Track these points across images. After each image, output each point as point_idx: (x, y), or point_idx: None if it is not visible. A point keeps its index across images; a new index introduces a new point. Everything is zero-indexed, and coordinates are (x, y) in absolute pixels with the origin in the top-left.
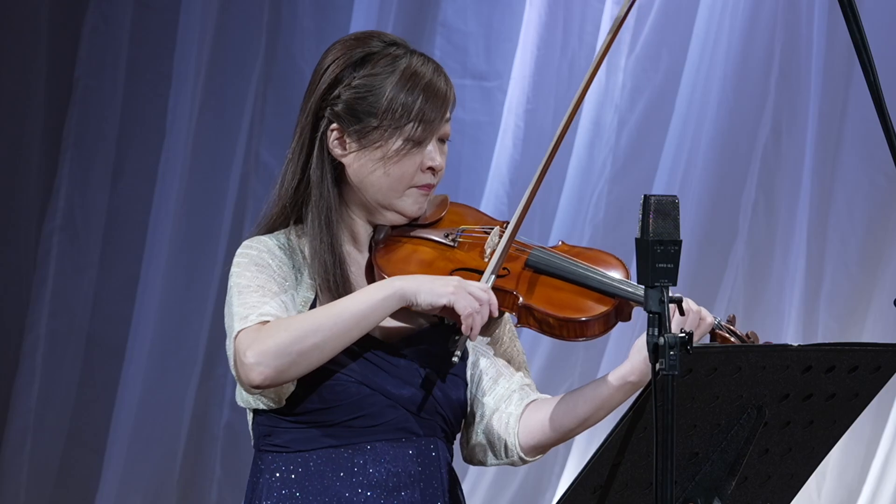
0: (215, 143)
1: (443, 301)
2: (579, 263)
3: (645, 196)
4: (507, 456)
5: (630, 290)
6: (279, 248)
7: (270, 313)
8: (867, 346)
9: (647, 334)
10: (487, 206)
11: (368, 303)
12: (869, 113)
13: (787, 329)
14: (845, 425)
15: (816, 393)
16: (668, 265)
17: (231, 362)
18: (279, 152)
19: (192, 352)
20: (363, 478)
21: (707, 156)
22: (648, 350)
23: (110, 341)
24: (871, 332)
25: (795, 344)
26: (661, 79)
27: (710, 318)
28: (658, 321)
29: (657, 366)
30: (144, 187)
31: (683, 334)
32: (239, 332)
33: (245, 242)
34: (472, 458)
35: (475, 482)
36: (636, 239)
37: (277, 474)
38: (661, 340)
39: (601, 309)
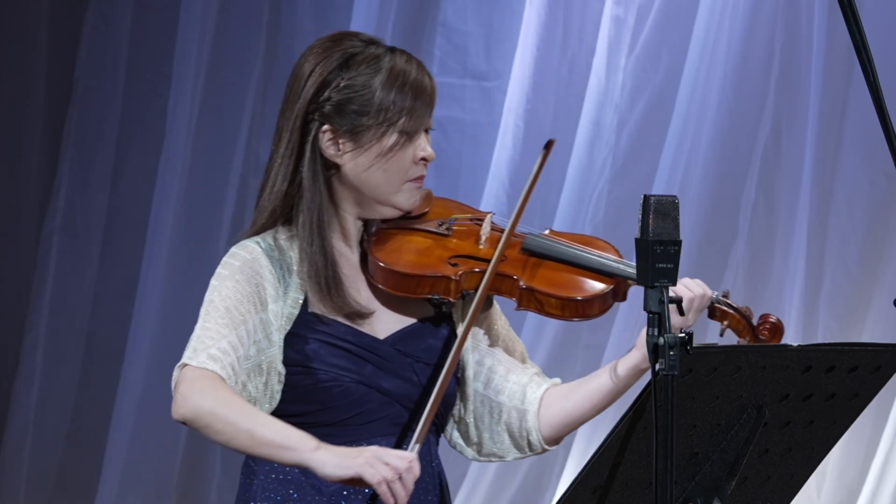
0: (215, 143)
1: (350, 473)
2: (574, 245)
3: (645, 196)
4: (531, 449)
5: (626, 268)
6: (266, 252)
7: (218, 358)
8: (867, 346)
9: (647, 334)
10: (487, 205)
11: (278, 444)
12: (869, 113)
13: (787, 329)
14: (845, 425)
15: (816, 393)
16: (668, 265)
17: (172, 380)
18: None
19: None
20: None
21: (707, 156)
22: (648, 350)
23: (110, 341)
24: (871, 332)
25: (795, 344)
26: (661, 79)
27: (709, 292)
28: (658, 321)
29: (657, 366)
30: (144, 187)
31: (683, 334)
32: (185, 364)
33: (232, 249)
34: (489, 454)
35: (475, 482)
36: (636, 239)
37: (273, 475)
38: (661, 340)
39: (600, 287)
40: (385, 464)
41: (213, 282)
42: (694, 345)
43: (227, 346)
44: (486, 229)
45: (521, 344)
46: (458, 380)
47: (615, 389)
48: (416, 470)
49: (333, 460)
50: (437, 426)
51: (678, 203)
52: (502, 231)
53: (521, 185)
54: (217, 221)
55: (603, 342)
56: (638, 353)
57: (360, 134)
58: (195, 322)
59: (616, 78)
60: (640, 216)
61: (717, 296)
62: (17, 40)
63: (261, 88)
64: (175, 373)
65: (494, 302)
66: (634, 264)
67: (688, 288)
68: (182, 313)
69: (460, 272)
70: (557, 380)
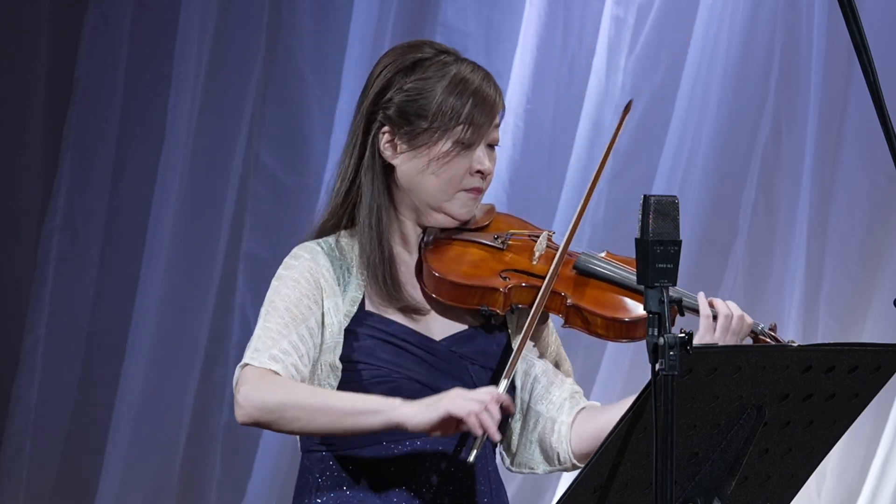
0: (215, 143)
1: (438, 413)
2: (625, 267)
3: (645, 196)
4: (559, 463)
5: (674, 294)
6: (326, 253)
7: (280, 359)
8: (867, 346)
9: (647, 334)
10: None
11: (361, 410)
12: (869, 113)
13: (787, 329)
14: (845, 425)
15: (816, 393)
16: (668, 265)
17: (233, 382)
18: (279, 152)
19: (192, 352)
20: (411, 474)
21: (707, 156)
22: (648, 350)
23: (110, 341)
24: (871, 332)
25: (795, 344)
26: (661, 79)
27: (748, 319)
28: (658, 321)
29: (657, 366)
30: (144, 187)
31: (683, 334)
32: (246, 364)
33: (294, 250)
34: (522, 465)
35: None
36: (636, 239)
37: (328, 473)
38: (661, 341)
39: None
40: (471, 399)
41: (273, 283)
42: (694, 345)
43: (288, 345)
44: (541, 245)
45: (569, 363)
46: (514, 388)
47: None
48: (504, 399)
49: (420, 409)
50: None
51: (678, 203)
52: (557, 248)
53: (521, 184)
54: (217, 221)
55: (603, 342)
56: None
57: (417, 136)
58: (195, 322)
59: (616, 78)
60: (640, 216)
61: (762, 327)
62: (17, 40)
63: (261, 88)
64: (236, 373)
65: (549, 317)
66: (686, 291)
67: (726, 305)
68: (182, 313)
69: (510, 285)
70: (596, 403)
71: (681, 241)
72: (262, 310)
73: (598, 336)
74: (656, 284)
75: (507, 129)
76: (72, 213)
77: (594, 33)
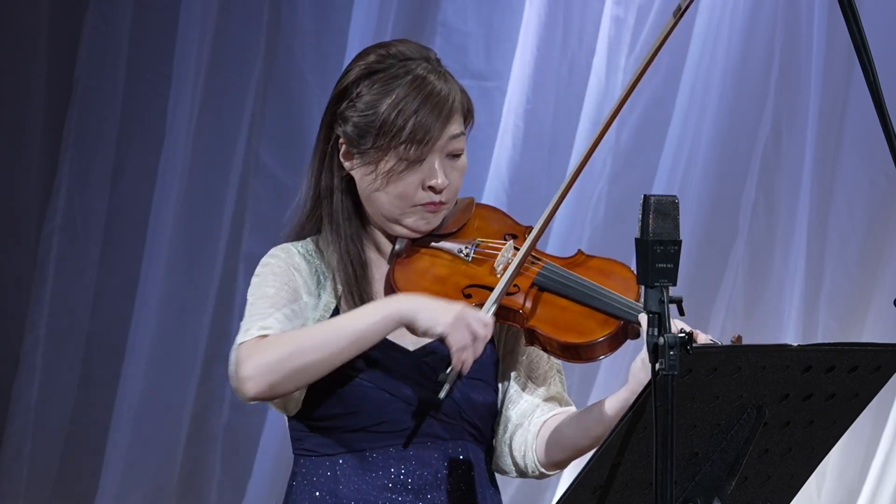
0: (215, 143)
1: (439, 329)
2: (586, 282)
3: (645, 196)
4: (528, 470)
5: (633, 311)
6: (302, 255)
7: (271, 326)
8: (867, 346)
9: (647, 334)
10: None
11: (366, 322)
12: (869, 113)
13: (787, 329)
14: (845, 425)
15: (816, 393)
16: (668, 265)
17: (231, 370)
18: (279, 152)
19: (192, 352)
20: (389, 481)
21: (707, 156)
22: (648, 350)
23: (110, 341)
24: (871, 332)
25: (795, 344)
26: (661, 79)
27: (704, 339)
28: (658, 321)
29: (657, 366)
30: (144, 187)
31: (683, 334)
32: (239, 344)
33: (271, 251)
34: (498, 469)
35: None
36: (636, 239)
37: (312, 478)
38: (661, 340)
39: (605, 332)
40: (468, 327)
41: (253, 280)
42: (694, 345)
43: (275, 321)
44: (504, 256)
45: (553, 363)
46: (494, 388)
47: (611, 423)
48: (488, 335)
49: (426, 310)
50: (477, 436)
51: (678, 203)
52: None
53: (521, 184)
54: (217, 221)
55: None
56: (626, 391)
57: (365, 152)
58: (195, 322)
59: (616, 78)
60: (640, 216)
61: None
62: (17, 40)
63: (261, 88)
64: (231, 356)
65: None
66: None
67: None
68: (182, 313)
69: (474, 304)
70: (572, 407)
71: (681, 241)
72: (247, 305)
73: (558, 358)
74: (656, 284)
75: (508, 129)
76: (72, 213)
77: (594, 33)
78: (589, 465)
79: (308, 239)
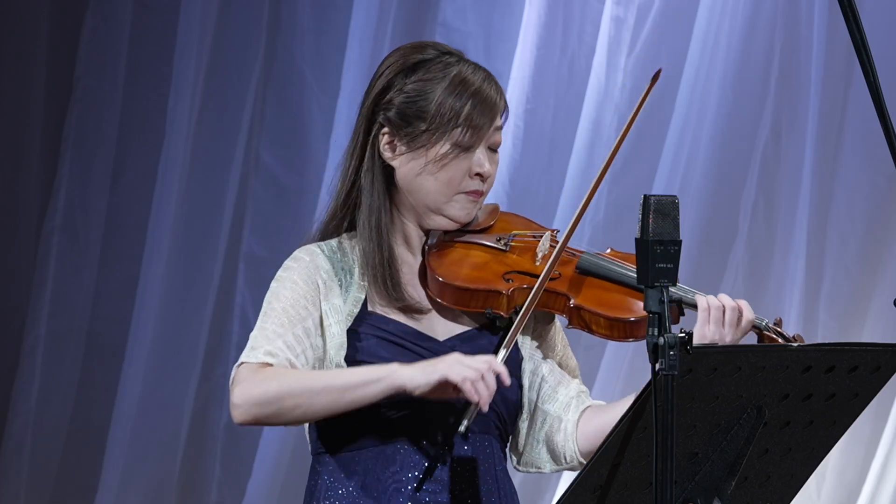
0: (215, 143)
1: (435, 377)
2: (628, 266)
3: (645, 196)
4: (566, 462)
5: (679, 292)
6: (326, 255)
7: (276, 354)
8: (867, 346)
9: (647, 334)
10: None
11: (361, 382)
12: (869, 113)
13: (787, 329)
14: (845, 425)
15: (816, 393)
16: (668, 265)
17: (230, 384)
18: (279, 152)
19: (192, 352)
20: (417, 473)
21: (707, 156)
22: (648, 350)
23: (110, 341)
24: (871, 332)
25: (795, 344)
26: (661, 79)
27: (750, 315)
28: (658, 321)
29: (657, 366)
30: (144, 187)
31: (683, 334)
32: (242, 363)
33: (294, 252)
34: (529, 464)
35: None
36: (636, 239)
37: (337, 474)
38: (661, 340)
39: None
40: (467, 366)
41: (272, 284)
42: (694, 345)
43: (283, 344)
44: (543, 245)
45: (575, 362)
46: (520, 388)
47: None
48: (500, 369)
49: (417, 370)
50: (502, 432)
51: (678, 203)
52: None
53: (521, 184)
54: (217, 221)
55: (603, 342)
56: None
57: (415, 138)
58: (195, 322)
59: (616, 78)
60: (640, 216)
61: (766, 322)
62: (17, 40)
63: (261, 88)
64: (232, 372)
65: (556, 317)
66: (687, 288)
67: (717, 298)
68: (182, 313)
69: (513, 288)
70: (601, 402)
71: (681, 241)
72: (262, 310)
73: (603, 336)
74: (656, 284)
75: (508, 130)
76: (72, 213)
77: (594, 33)
78: (589, 465)
79: (331, 239)
